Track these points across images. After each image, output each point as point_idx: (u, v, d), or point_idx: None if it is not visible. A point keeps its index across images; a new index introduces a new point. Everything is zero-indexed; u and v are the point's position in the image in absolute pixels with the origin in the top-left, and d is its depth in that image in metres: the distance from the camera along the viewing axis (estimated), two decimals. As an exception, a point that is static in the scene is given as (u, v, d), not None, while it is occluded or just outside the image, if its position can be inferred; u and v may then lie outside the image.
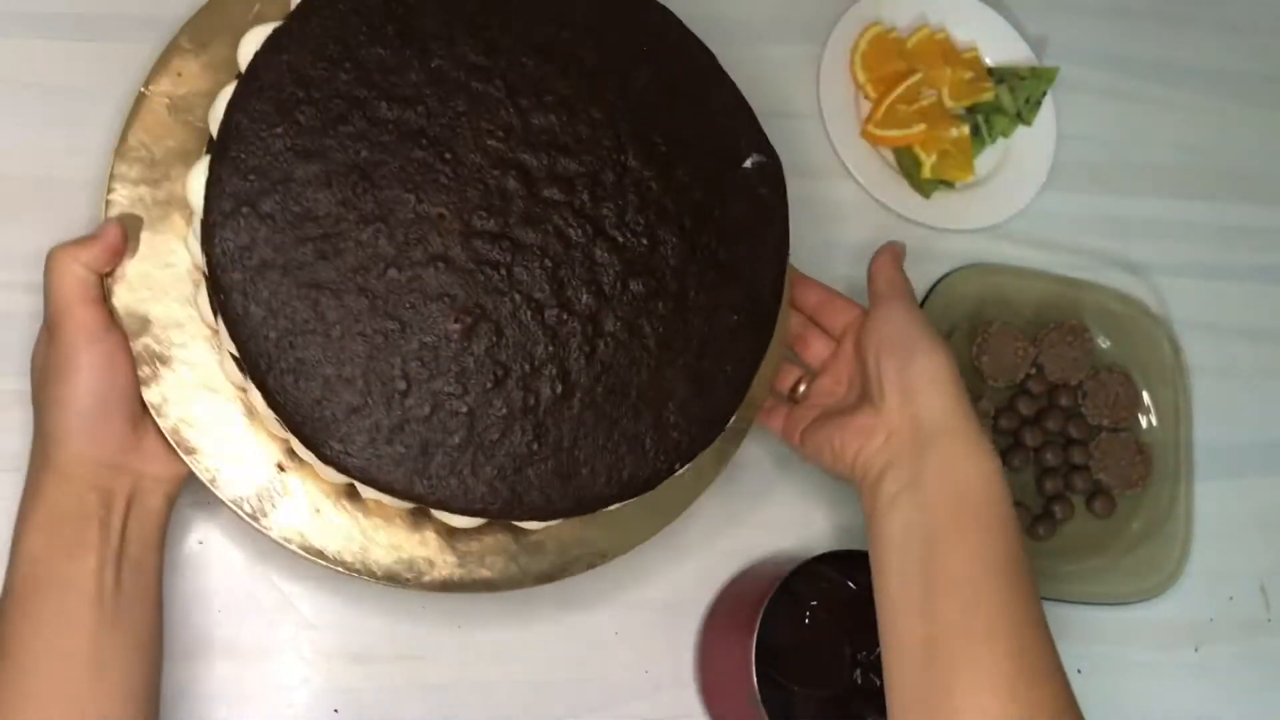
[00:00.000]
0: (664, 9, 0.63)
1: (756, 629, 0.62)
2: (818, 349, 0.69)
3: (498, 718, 0.67)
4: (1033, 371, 0.82)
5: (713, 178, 0.61)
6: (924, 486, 0.57)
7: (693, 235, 0.60)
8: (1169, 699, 0.80)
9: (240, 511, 0.58)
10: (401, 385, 0.54)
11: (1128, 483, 0.81)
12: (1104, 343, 0.85)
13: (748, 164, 0.62)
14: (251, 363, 0.53)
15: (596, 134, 0.59)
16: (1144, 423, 0.84)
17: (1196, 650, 0.82)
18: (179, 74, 0.61)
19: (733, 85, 0.64)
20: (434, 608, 0.67)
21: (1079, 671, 0.78)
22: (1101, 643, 0.79)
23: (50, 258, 0.56)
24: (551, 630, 0.69)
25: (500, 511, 0.55)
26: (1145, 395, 0.84)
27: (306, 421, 0.53)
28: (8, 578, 0.54)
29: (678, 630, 0.71)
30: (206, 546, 0.65)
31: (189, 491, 0.65)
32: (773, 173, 0.63)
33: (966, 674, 0.52)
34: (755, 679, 0.62)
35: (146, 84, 0.60)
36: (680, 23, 0.63)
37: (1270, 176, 0.95)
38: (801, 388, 0.68)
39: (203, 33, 0.61)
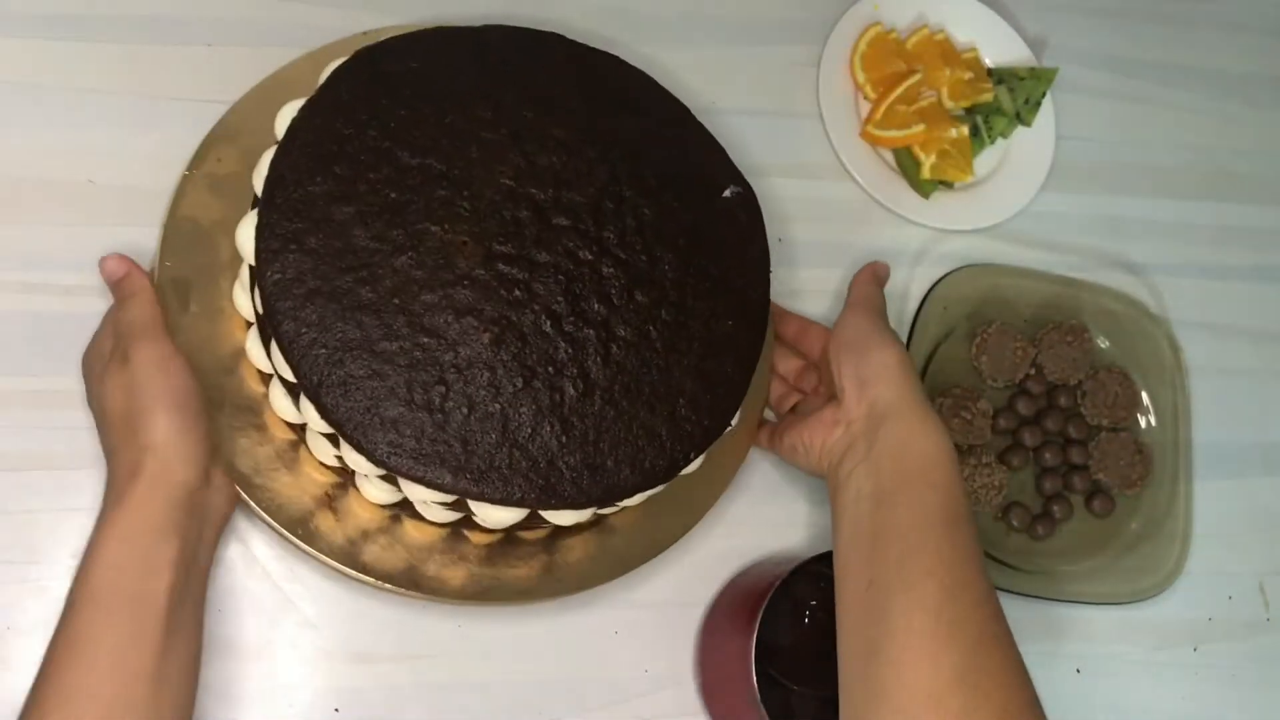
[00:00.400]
0: (641, 72, 0.70)
1: (756, 628, 0.62)
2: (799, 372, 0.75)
3: (498, 718, 0.67)
4: (1032, 371, 0.82)
5: (698, 205, 0.67)
6: (876, 459, 0.62)
7: (686, 252, 0.65)
8: (1168, 699, 0.80)
9: (293, 538, 0.62)
10: (441, 391, 0.58)
11: (1127, 483, 0.81)
12: (1103, 343, 0.85)
13: (726, 193, 0.68)
14: (305, 380, 0.57)
15: (594, 171, 0.64)
16: (1143, 423, 0.84)
17: (1196, 650, 0.82)
18: (219, 159, 0.68)
19: (705, 130, 0.70)
20: (435, 608, 0.67)
21: (1078, 671, 0.78)
22: (1100, 642, 0.79)
23: (121, 299, 0.62)
24: (551, 630, 0.69)
25: (537, 501, 0.59)
26: (1144, 395, 0.85)
27: (358, 429, 0.57)
28: (81, 583, 0.55)
29: (678, 630, 0.71)
30: (207, 546, 0.65)
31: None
32: (749, 200, 0.69)
33: (901, 599, 0.56)
34: (755, 678, 0.62)
35: (190, 168, 0.67)
36: (655, 81, 0.70)
37: (1269, 176, 0.95)
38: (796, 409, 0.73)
39: (237, 124, 0.68)
